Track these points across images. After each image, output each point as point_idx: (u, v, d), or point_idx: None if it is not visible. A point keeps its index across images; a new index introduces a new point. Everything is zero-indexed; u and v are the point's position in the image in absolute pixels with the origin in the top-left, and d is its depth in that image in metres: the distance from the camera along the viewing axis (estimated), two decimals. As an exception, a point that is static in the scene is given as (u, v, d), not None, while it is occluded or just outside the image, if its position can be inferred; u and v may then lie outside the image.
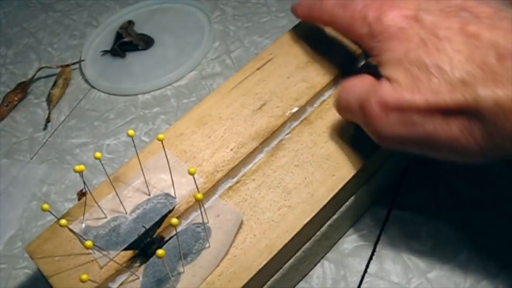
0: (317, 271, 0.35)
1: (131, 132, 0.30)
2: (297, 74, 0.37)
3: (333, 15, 0.33)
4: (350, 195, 0.34)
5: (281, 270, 0.32)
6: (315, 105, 0.36)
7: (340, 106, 0.32)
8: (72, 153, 0.46)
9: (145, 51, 0.53)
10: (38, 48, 0.57)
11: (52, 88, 0.51)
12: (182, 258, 0.29)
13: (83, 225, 0.31)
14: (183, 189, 0.32)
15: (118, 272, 0.30)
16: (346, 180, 0.32)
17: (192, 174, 0.28)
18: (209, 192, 0.32)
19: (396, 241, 0.35)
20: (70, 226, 0.30)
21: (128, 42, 0.53)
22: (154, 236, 0.31)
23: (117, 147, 0.46)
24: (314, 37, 0.39)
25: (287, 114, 0.35)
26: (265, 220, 0.31)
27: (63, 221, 0.27)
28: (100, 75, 0.52)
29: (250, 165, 0.33)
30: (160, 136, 0.30)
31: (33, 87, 0.53)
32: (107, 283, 0.29)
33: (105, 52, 0.54)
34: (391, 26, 0.28)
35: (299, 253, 0.32)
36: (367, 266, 0.35)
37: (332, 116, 0.34)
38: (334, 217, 0.34)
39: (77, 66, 0.53)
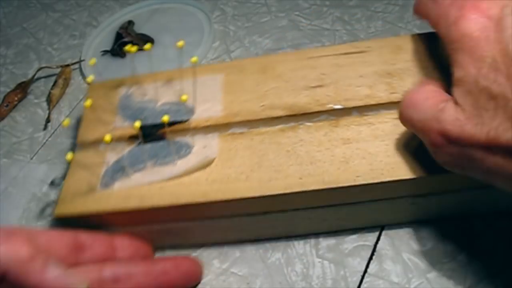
0: (317, 271, 0.35)
1: (180, 43, 0.37)
2: (369, 78, 0.36)
3: (426, 8, 0.31)
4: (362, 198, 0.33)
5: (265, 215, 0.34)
6: (358, 114, 0.35)
7: (405, 122, 0.30)
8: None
9: (145, 51, 0.53)
10: (38, 48, 0.57)
11: (52, 88, 0.51)
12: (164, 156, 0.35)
13: (129, 91, 0.40)
14: (204, 111, 0.37)
15: (116, 139, 0.36)
16: (340, 184, 0.32)
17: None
18: (218, 127, 0.36)
19: (396, 241, 0.35)
20: (120, 89, 0.40)
21: (128, 42, 0.53)
22: (159, 131, 0.36)
23: (117, 147, 0.46)
24: (425, 52, 0.36)
25: (327, 106, 0.35)
26: (265, 168, 0.33)
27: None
28: (100, 75, 0.51)
29: (265, 128, 0.35)
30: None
31: (33, 87, 0.53)
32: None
33: (105, 52, 0.54)
34: (466, 35, 0.26)
35: (287, 213, 0.34)
36: (367, 266, 0.35)
37: (363, 135, 0.34)
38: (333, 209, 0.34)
39: (77, 66, 0.53)
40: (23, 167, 0.46)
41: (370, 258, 0.35)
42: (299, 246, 0.36)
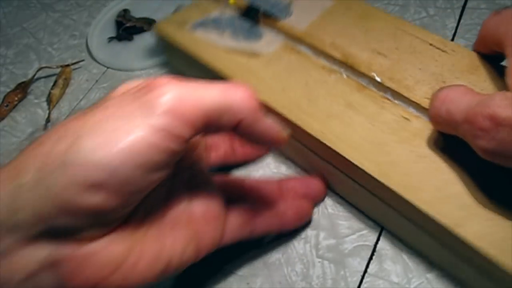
0: (317, 271, 0.35)
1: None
2: (424, 75, 0.37)
3: (495, 25, 0.32)
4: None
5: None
6: (388, 96, 0.36)
7: (439, 117, 0.30)
8: (72, 153, 0.46)
9: (150, 31, 0.55)
10: (38, 48, 0.57)
11: (52, 88, 0.51)
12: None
13: None
14: (293, 20, 0.43)
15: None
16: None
17: None
18: (289, 36, 0.42)
19: (396, 241, 0.35)
20: None
21: (131, 27, 0.55)
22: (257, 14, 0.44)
23: (117, 147, 0.46)
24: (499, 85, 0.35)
25: (371, 73, 0.37)
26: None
27: None
28: (113, 58, 0.53)
29: (316, 58, 0.40)
30: None
31: (33, 87, 0.53)
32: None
33: (111, 38, 0.55)
34: None
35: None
36: (367, 266, 0.35)
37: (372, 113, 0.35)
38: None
39: (77, 66, 0.53)
40: (23, 167, 0.46)
41: (370, 258, 0.35)
42: (299, 246, 0.36)
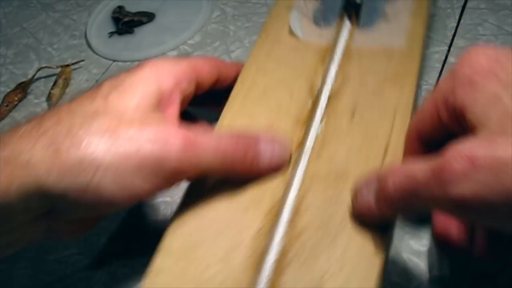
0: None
1: None
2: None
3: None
4: None
5: None
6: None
7: (393, 195, 0.25)
8: (72, 153, 0.46)
9: (150, 23, 0.56)
10: (38, 48, 0.57)
11: (52, 88, 0.51)
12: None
13: None
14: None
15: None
16: None
17: None
18: None
19: (396, 241, 0.35)
20: None
21: (130, 21, 0.55)
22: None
23: (117, 147, 0.46)
24: None
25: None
26: None
27: None
28: (118, 51, 0.54)
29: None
30: None
31: (33, 87, 0.53)
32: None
33: (112, 33, 0.56)
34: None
35: None
36: (367, 266, 0.35)
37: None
38: None
39: (77, 66, 0.53)
40: (23, 167, 0.46)
41: (370, 258, 0.35)
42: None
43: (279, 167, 0.31)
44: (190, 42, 0.53)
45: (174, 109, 0.33)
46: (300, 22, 0.40)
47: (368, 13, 0.40)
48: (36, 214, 0.29)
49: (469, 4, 0.50)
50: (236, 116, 0.34)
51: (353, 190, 0.29)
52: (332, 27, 0.40)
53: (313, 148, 0.32)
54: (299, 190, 0.30)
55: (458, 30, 0.48)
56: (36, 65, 0.54)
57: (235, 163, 0.30)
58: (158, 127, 0.29)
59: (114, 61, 0.53)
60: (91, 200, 0.28)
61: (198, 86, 0.35)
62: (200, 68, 0.35)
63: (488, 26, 0.47)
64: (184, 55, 0.52)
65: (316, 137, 0.32)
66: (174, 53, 0.52)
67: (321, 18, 0.40)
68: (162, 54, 0.52)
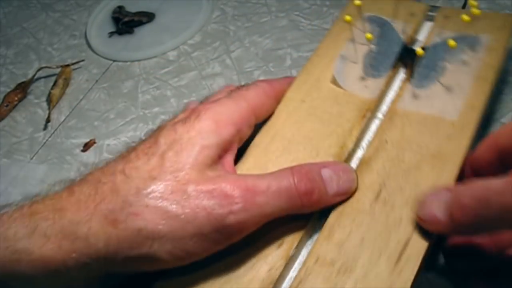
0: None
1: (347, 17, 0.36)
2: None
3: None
4: None
5: None
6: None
7: (468, 203, 0.25)
8: (72, 153, 0.46)
9: (150, 23, 0.56)
10: (38, 48, 0.57)
11: (52, 88, 0.51)
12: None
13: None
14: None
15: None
16: None
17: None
18: None
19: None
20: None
21: (130, 21, 0.56)
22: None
23: (117, 147, 0.46)
24: None
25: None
26: None
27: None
28: (119, 51, 0.54)
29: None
30: None
31: (33, 87, 0.53)
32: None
33: (112, 33, 0.56)
34: None
35: None
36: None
37: None
38: None
39: (77, 66, 0.53)
40: (23, 167, 0.46)
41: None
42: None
43: (348, 192, 0.29)
44: (190, 42, 0.53)
45: (232, 156, 0.31)
46: (345, 70, 0.35)
47: (427, 68, 0.34)
48: (94, 278, 0.28)
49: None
50: (250, 169, 0.31)
51: (419, 201, 0.27)
52: (382, 79, 0.34)
53: (326, 223, 0.28)
54: (299, 271, 0.27)
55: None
56: (36, 65, 0.54)
57: (302, 199, 0.28)
58: (215, 185, 0.27)
59: (114, 61, 0.53)
60: (148, 266, 0.28)
61: (256, 121, 0.33)
62: (260, 105, 0.33)
63: (488, 26, 0.47)
64: (184, 55, 0.52)
65: (333, 211, 0.29)
66: (174, 53, 0.52)
67: (371, 67, 0.35)
68: (162, 54, 0.52)
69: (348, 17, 0.36)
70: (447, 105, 0.32)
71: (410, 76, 0.34)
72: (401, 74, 0.35)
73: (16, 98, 0.51)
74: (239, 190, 0.27)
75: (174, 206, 0.26)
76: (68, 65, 0.53)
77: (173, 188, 0.27)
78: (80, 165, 0.44)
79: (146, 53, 0.53)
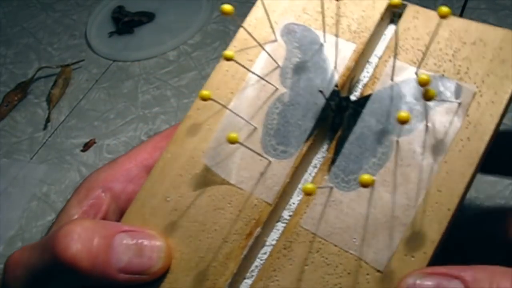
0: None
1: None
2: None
3: None
4: None
5: None
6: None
7: None
8: (72, 153, 0.46)
9: (150, 23, 0.56)
10: (38, 48, 0.57)
11: (52, 88, 0.51)
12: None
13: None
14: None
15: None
16: None
17: None
18: None
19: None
20: None
21: (130, 21, 0.56)
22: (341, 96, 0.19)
23: (117, 147, 0.46)
24: None
25: None
26: None
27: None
28: (118, 51, 0.54)
29: None
30: None
31: (33, 87, 0.53)
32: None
33: (112, 33, 0.56)
34: None
35: None
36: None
37: None
38: None
39: (77, 66, 0.53)
40: (23, 167, 0.46)
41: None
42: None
43: (139, 275, 0.19)
44: (190, 42, 0.53)
45: None
46: (226, 149, 0.20)
47: (354, 152, 0.19)
48: None
49: (469, 4, 0.50)
50: None
51: None
52: (287, 161, 0.19)
53: None
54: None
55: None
56: (36, 65, 0.54)
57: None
58: None
59: (114, 61, 0.53)
60: None
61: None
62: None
63: (488, 26, 0.47)
64: (184, 55, 0.52)
65: None
66: (174, 53, 0.52)
67: (271, 144, 0.20)
68: (162, 54, 0.52)
69: (229, 53, 0.19)
70: (377, 251, 0.17)
71: (333, 156, 0.19)
72: (321, 153, 0.20)
73: (16, 98, 0.51)
74: None
75: None
76: (68, 65, 0.53)
77: None
78: (80, 165, 0.44)
79: (146, 53, 0.53)
